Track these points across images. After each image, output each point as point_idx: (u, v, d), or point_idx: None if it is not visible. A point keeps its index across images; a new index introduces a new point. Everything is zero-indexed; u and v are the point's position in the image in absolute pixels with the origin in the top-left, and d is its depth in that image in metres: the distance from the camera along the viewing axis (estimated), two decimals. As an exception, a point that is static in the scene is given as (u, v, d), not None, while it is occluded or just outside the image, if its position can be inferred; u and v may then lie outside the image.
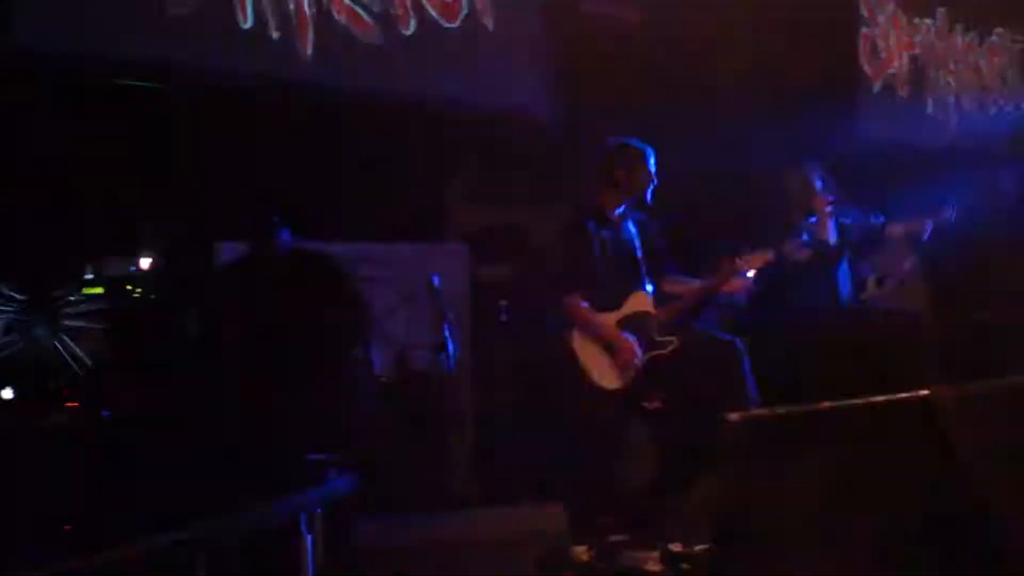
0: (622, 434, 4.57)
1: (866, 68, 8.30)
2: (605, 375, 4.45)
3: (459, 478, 5.30)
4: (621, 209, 4.64)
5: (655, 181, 4.65)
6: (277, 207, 5.10)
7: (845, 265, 5.31)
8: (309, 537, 3.81)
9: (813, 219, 5.21)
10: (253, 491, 3.92)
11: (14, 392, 4.69)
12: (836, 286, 5.24)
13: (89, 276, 5.09)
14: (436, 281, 5.40)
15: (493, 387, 5.70)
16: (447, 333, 5.28)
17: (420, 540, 4.33)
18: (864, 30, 8.34)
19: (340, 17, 5.85)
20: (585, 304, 4.50)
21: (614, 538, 4.26)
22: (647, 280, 4.65)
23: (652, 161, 4.65)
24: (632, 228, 4.69)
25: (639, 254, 4.66)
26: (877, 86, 8.35)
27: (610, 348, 4.45)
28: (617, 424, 4.53)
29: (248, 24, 5.56)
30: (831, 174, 5.61)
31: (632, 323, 4.50)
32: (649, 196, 4.66)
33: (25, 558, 3.78)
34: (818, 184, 5.24)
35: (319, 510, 3.94)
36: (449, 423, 5.29)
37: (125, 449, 4.47)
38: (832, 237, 5.20)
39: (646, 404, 4.52)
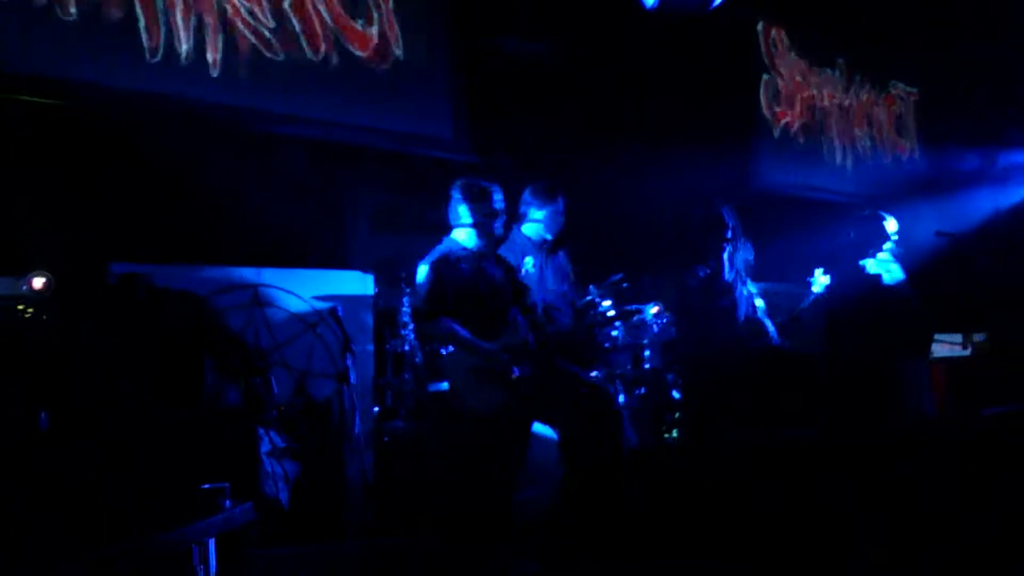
0: (504, 462, 4.58)
1: (766, 114, 8.55)
2: (473, 399, 4.46)
3: (357, 508, 5.23)
4: (478, 244, 4.71)
5: (502, 216, 4.77)
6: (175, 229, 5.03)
7: (740, 295, 5.44)
8: (200, 569, 3.72)
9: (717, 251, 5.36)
10: (142, 520, 3.82)
11: None
12: (731, 316, 5.37)
13: (-18, 295, 4.90)
14: (339, 309, 5.37)
15: (394, 416, 5.66)
16: (349, 362, 5.24)
17: (316, 570, 4.26)
18: (765, 77, 8.59)
19: (250, 39, 5.82)
20: (458, 328, 4.53)
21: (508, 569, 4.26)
22: (514, 314, 4.70)
23: (498, 197, 4.75)
24: (494, 261, 4.76)
25: (504, 288, 4.73)
26: (777, 132, 8.61)
27: (480, 372, 4.47)
28: (492, 451, 4.54)
29: (153, 43, 5.50)
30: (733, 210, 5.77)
31: (508, 353, 4.53)
32: (499, 231, 4.77)
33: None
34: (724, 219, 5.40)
35: (212, 540, 3.85)
36: (349, 452, 5.23)
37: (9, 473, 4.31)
38: (728, 269, 5.34)
39: None
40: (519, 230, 5.56)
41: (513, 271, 4.92)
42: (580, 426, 4.50)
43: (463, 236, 4.73)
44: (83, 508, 4.09)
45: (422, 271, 4.64)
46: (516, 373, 4.47)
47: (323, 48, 6.08)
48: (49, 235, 5.22)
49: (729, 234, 5.35)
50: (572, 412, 4.52)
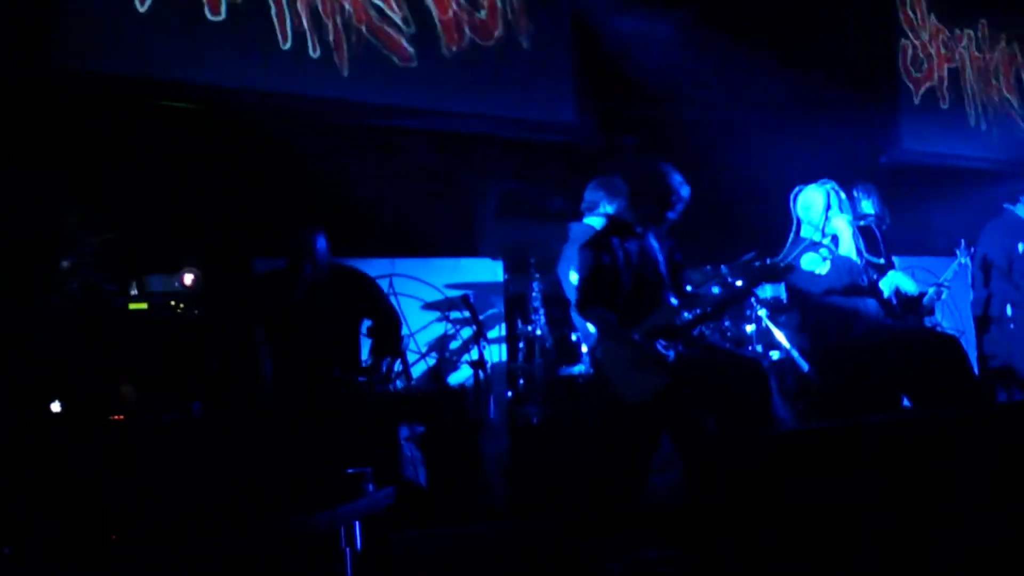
0: (649, 447, 4.59)
1: (906, 80, 8.26)
2: (631, 388, 4.46)
3: (493, 491, 5.35)
4: (646, 224, 4.67)
5: (681, 199, 4.69)
6: (316, 223, 5.22)
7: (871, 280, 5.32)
8: (348, 551, 3.88)
9: (831, 237, 5.27)
10: (292, 504, 4.00)
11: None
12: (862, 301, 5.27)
13: (134, 292, 5.20)
14: (471, 296, 5.48)
15: (527, 400, 5.75)
16: (482, 347, 5.34)
17: (455, 551, 4.38)
18: (904, 41, 8.30)
19: (376, 38, 5.97)
20: (611, 316, 4.53)
21: (645, 554, 4.28)
22: (670, 293, 4.67)
23: (677, 179, 4.69)
24: (655, 243, 4.73)
25: (663, 268, 4.70)
26: (917, 99, 8.31)
27: (637, 360, 4.46)
28: (644, 437, 4.55)
29: (288, 45, 5.70)
30: (864, 190, 5.65)
31: (658, 335, 4.51)
32: (673, 213, 4.70)
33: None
34: (838, 202, 5.30)
35: (357, 523, 4.01)
36: (484, 436, 5.34)
37: (166, 458, 4.58)
38: (855, 256, 5.23)
39: None
40: (583, 222, 5.45)
41: (675, 250, 4.89)
42: (738, 403, 4.45)
43: (633, 214, 4.70)
44: (238, 489, 4.32)
45: (575, 258, 4.67)
46: (671, 357, 4.44)
47: (448, 40, 6.19)
48: (197, 233, 5.51)
49: (847, 211, 5.24)
50: (729, 389, 4.47)
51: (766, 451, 4.32)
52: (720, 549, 4.02)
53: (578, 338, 5.56)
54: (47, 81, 5.12)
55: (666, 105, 6.91)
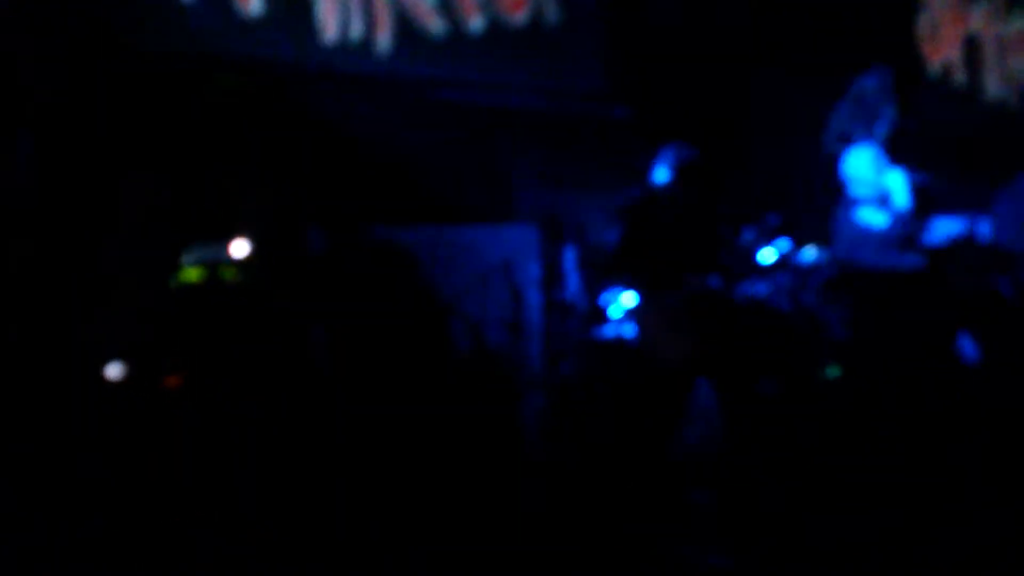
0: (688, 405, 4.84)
1: (923, 53, 8.38)
2: (670, 347, 4.70)
3: (531, 447, 5.59)
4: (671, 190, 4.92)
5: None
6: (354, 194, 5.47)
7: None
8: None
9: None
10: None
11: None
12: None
13: (187, 261, 5.41)
14: (510, 262, 5.72)
15: (561, 362, 5.97)
16: (521, 311, 5.59)
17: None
18: (921, 14, 8.40)
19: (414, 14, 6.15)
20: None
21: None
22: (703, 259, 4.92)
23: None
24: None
25: (693, 235, 4.94)
26: (931, 71, 8.43)
27: (672, 324, 4.71)
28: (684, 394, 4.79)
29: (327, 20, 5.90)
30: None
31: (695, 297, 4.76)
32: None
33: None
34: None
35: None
36: (523, 396, 5.60)
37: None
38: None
39: None
40: None
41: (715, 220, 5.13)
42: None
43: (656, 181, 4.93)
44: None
45: (613, 223, 4.91)
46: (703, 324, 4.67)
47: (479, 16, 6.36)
48: (248, 202, 5.73)
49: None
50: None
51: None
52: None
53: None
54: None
55: (691, 73, 7.05)
